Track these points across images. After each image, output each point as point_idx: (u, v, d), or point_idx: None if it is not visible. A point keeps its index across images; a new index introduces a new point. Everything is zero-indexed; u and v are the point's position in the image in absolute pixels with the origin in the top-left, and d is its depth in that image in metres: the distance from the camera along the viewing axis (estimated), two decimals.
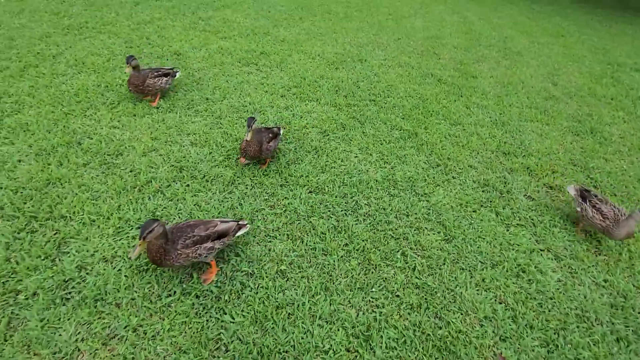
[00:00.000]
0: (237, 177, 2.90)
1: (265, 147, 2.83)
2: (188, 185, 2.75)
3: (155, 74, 3.39)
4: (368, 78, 4.93)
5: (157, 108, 3.55)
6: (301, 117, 3.82)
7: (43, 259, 2.08)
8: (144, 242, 1.78)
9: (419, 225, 2.71)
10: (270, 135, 2.90)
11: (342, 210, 2.74)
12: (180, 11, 6.14)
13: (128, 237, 2.27)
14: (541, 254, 2.66)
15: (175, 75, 3.61)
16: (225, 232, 2.09)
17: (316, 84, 4.54)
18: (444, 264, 2.45)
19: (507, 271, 2.47)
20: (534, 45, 7.49)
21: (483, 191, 3.18)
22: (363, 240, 2.51)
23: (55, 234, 2.23)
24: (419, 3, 9.62)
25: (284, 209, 2.68)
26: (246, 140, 2.74)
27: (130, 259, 1.76)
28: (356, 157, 3.36)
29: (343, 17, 7.33)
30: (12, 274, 1.98)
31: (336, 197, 2.86)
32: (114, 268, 2.09)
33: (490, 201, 3.07)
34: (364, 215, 2.73)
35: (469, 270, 2.44)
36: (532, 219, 2.96)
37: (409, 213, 2.81)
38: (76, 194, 2.50)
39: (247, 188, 2.81)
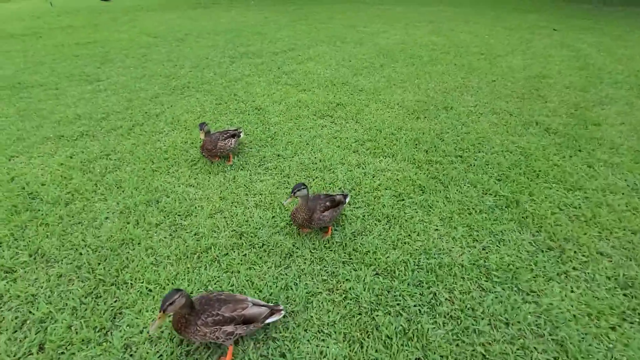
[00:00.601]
0: (297, 248, 2.64)
1: (316, 217, 2.53)
2: (245, 255, 2.58)
3: (225, 135, 3.49)
4: (454, 129, 4.36)
5: (231, 166, 3.63)
6: (373, 177, 3.46)
7: (97, 331, 2.07)
8: (164, 315, 1.67)
9: (524, 342, 1.99)
10: (327, 203, 2.59)
11: (415, 305, 2.20)
12: (267, 67, 6.62)
13: None
14: None
15: (239, 136, 3.68)
16: (253, 319, 1.85)
17: (393, 137, 4.18)
18: None
19: None
20: None
21: (625, 295, 2.26)
22: (442, 357, 1.92)
23: (115, 302, 2.25)
24: (516, 39, 8.67)
25: (343, 295, 2.28)
26: (296, 207, 2.52)
27: (149, 333, 1.65)
28: (437, 230, 2.80)
29: (427, 61, 6.95)
30: (69, 345, 2.00)
31: (408, 284, 2.34)
32: (157, 353, 1.95)
33: None
34: (445, 317, 2.14)
35: None
36: None
37: (510, 320, 2.11)
38: (142, 258, 2.55)
39: (305, 263, 2.52)
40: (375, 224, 2.86)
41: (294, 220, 2.59)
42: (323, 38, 8.78)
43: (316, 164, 3.68)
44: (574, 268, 2.45)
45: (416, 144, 4.04)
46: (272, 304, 2.01)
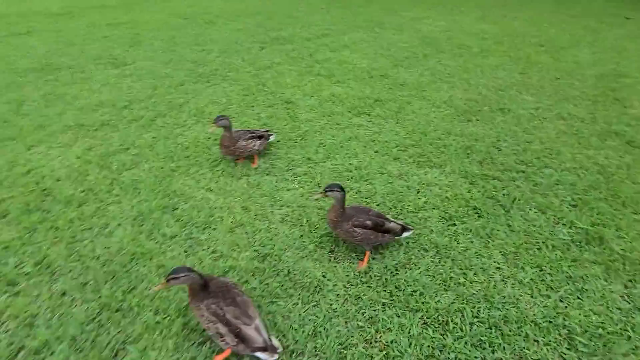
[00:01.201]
0: (327, 279, 2.24)
1: (345, 227, 2.22)
2: (267, 284, 2.22)
3: (249, 135, 3.11)
4: (514, 136, 3.74)
5: (256, 169, 3.25)
6: (418, 192, 2.97)
7: None
8: (165, 284, 1.71)
9: None
10: (367, 222, 2.20)
11: None
12: (299, 54, 6.12)
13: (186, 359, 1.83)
14: None
15: (269, 139, 3.29)
16: (245, 340, 1.70)
17: (440, 143, 3.63)
18: None
19: None
20: None
21: None
22: None
23: (118, 332, 1.96)
24: (581, 28, 7.62)
25: (385, 351, 1.86)
26: (338, 210, 2.22)
27: (150, 291, 2.05)
28: (499, 269, 2.30)
29: (478, 52, 6.19)
30: None
31: (466, 343, 1.88)
32: None
33: None
34: None
35: None
36: None
37: None
38: (152, 278, 2.24)
39: (337, 301, 2.11)
40: (422, 254, 2.40)
41: (334, 225, 2.28)
42: (360, 23, 8.11)
43: (351, 172, 3.22)
44: None
45: (468, 153, 3.47)
46: (272, 341, 1.75)
